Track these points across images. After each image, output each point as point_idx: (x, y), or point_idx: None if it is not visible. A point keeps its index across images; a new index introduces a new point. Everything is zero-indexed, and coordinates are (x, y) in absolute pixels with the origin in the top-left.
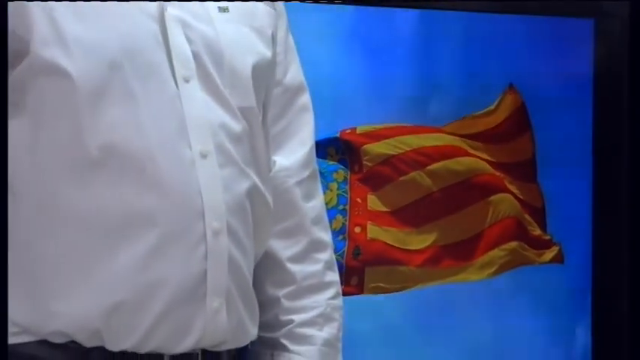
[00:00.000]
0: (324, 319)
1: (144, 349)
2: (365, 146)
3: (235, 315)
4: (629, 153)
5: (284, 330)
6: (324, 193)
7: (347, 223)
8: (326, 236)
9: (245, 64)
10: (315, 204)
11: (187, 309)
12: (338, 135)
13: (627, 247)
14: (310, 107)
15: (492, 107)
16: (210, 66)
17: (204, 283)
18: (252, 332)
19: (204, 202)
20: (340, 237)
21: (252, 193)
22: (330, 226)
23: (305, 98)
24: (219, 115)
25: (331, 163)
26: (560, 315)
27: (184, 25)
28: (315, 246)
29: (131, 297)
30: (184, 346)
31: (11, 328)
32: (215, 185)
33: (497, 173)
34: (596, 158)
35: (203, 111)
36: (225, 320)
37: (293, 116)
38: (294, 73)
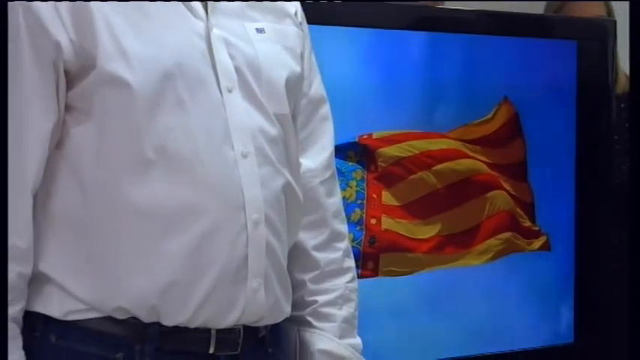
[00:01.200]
0: (343, 299)
1: (194, 324)
2: (380, 149)
3: (272, 294)
4: (606, 157)
5: (309, 309)
6: (345, 189)
7: (364, 215)
8: (344, 228)
9: (279, 77)
10: (335, 200)
11: (231, 289)
12: (357, 140)
13: (605, 238)
14: (330, 117)
15: (489, 116)
16: (249, 78)
17: (246, 267)
18: (287, 310)
19: (245, 196)
20: (358, 227)
21: (286, 188)
22: (350, 218)
23: (325, 109)
24: (258, 120)
25: (351, 163)
26: (547, 296)
27: (227, 44)
28: (336, 236)
29: (183, 278)
30: (228, 321)
31: (77, 306)
32: (254, 182)
33: (493, 173)
34: (578, 161)
35: (244, 117)
36: (263, 299)
37: (316, 124)
38: (316, 86)
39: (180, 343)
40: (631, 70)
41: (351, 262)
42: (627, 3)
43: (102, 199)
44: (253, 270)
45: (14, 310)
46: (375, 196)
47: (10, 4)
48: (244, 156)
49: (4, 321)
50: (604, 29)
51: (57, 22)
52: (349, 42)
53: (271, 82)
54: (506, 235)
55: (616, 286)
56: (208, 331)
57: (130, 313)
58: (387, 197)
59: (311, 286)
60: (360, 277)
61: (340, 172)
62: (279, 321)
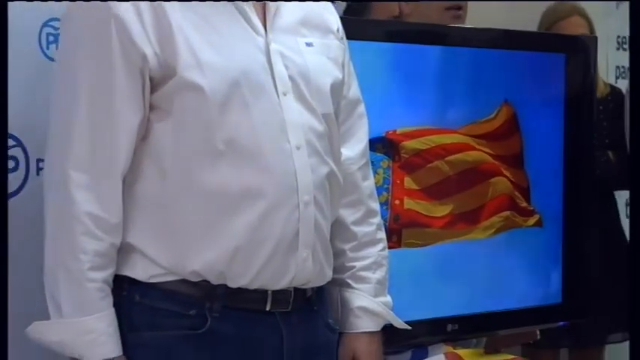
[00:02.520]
0: (376, 265)
1: (253, 286)
2: (403, 143)
3: (318, 262)
4: (588, 149)
5: (348, 273)
6: (374, 176)
7: (390, 197)
8: (376, 206)
9: (325, 83)
10: (369, 184)
11: (285, 257)
12: (384, 134)
13: (587, 215)
14: (365, 114)
15: (492, 116)
16: (301, 84)
17: (297, 239)
18: (329, 274)
19: (298, 181)
20: (385, 207)
21: (330, 175)
22: (378, 200)
23: (361, 108)
24: (308, 119)
25: (379, 154)
26: (539, 264)
27: (282, 56)
28: (370, 213)
29: (245, 248)
30: (282, 284)
31: (158, 270)
32: (305, 169)
33: (495, 162)
34: (566, 152)
35: (297, 116)
36: (310, 266)
37: (354, 121)
38: (354, 90)
39: (242, 302)
40: (631, 69)
41: (382, 235)
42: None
43: (179, 183)
44: (303, 242)
45: (107, 273)
46: (398, 181)
47: (102, 16)
48: (298, 148)
49: (3, 320)
50: (587, 44)
51: (144, 38)
52: (379, 54)
53: (318, 87)
54: (506, 213)
55: (596, 256)
56: (265, 292)
57: (201, 277)
58: (409, 182)
59: (350, 254)
60: None
61: (370, 162)
62: (323, 284)
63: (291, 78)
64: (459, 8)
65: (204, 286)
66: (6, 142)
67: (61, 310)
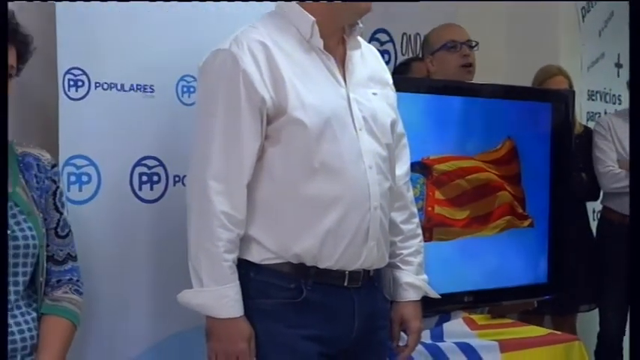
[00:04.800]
0: (417, 252)
1: (335, 267)
2: (434, 166)
3: (381, 250)
4: (568, 171)
5: (397, 258)
6: (413, 189)
7: (424, 205)
8: (416, 210)
9: (386, 121)
10: (411, 194)
11: (359, 246)
12: (421, 160)
13: (567, 218)
14: (407, 144)
15: (498, 147)
16: (371, 122)
17: (368, 234)
18: (387, 259)
19: (370, 192)
20: (421, 212)
21: (390, 188)
22: (416, 206)
23: (405, 139)
24: (376, 147)
25: (417, 174)
26: (531, 253)
27: (358, 102)
28: (412, 215)
29: (331, 239)
30: (355, 266)
31: (269, 255)
32: (375, 183)
33: (500, 181)
34: (551, 173)
35: (368, 145)
36: (376, 253)
37: (401, 149)
38: (400, 126)
39: (327, 279)
40: (631, 70)
41: (420, 231)
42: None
43: (285, 191)
44: (372, 236)
45: (235, 256)
46: (431, 193)
47: (232, 70)
48: (370, 168)
49: (3, 320)
50: (567, 96)
51: (262, 86)
52: (418, 102)
53: (383, 125)
54: (508, 217)
55: (572, 248)
56: (344, 272)
57: (300, 259)
58: (438, 194)
59: (399, 244)
60: None
61: (410, 179)
62: (382, 266)
63: (364, 118)
64: (470, 65)
65: (301, 267)
66: (6, 142)
67: (202, 281)
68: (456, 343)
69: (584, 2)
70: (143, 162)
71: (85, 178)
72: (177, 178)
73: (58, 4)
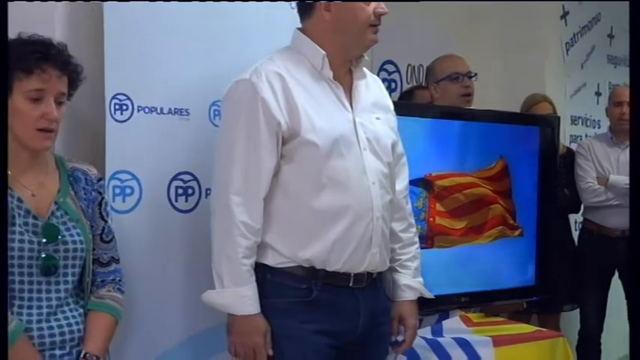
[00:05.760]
0: (414, 257)
1: (342, 270)
2: (435, 182)
3: (382, 256)
4: (553, 186)
5: (397, 263)
6: (418, 202)
7: (427, 216)
8: (413, 221)
9: (388, 143)
10: (409, 207)
11: (363, 252)
12: (424, 176)
13: (553, 229)
14: (406, 163)
15: (492, 166)
16: (374, 143)
17: (371, 241)
18: (387, 263)
19: (373, 204)
20: (424, 222)
21: (391, 201)
22: (419, 217)
23: (404, 159)
24: (379, 165)
25: (420, 189)
26: (521, 259)
27: (362, 126)
28: (410, 225)
29: (338, 246)
30: (360, 269)
31: (283, 259)
32: (377, 197)
33: (494, 195)
34: (539, 189)
35: (372, 163)
36: (378, 258)
37: (400, 167)
38: (400, 147)
39: (335, 280)
40: (631, 70)
41: (417, 239)
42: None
43: (297, 204)
44: (375, 243)
45: (252, 260)
46: (432, 206)
47: (252, 97)
48: (373, 183)
49: (3, 320)
50: (553, 121)
51: (278, 111)
52: (421, 125)
53: (385, 146)
54: (500, 227)
55: (556, 255)
56: (349, 274)
57: (310, 263)
58: (439, 207)
59: (398, 251)
60: (422, 248)
61: (415, 193)
62: (383, 270)
63: (368, 139)
64: (469, 95)
65: (311, 269)
66: (6, 143)
67: (223, 283)
68: (453, 339)
69: (569, 38)
70: (179, 176)
71: (128, 191)
72: (208, 191)
73: (106, 38)
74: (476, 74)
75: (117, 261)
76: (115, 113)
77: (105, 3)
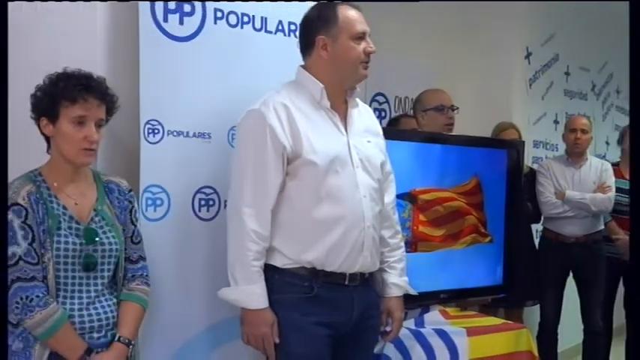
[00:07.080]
0: (400, 259)
1: (339, 271)
2: (419, 196)
3: (373, 258)
4: (519, 201)
5: (386, 264)
6: (404, 213)
7: (411, 225)
8: (399, 229)
9: (377, 163)
10: (396, 216)
11: (356, 256)
12: (409, 191)
13: (518, 237)
14: (394, 179)
15: (467, 183)
16: (365, 163)
17: (363, 246)
18: (377, 265)
19: (364, 215)
20: (409, 230)
21: (380, 211)
22: (405, 226)
23: (392, 175)
24: (369, 181)
25: (406, 202)
26: (490, 262)
27: (356, 148)
28: (397, 232)
29: (335, 250)
30: (354, 270)
31: (288, 261)
32: (368, 208)
33: (468, 208)
34: (506, 202)
35: (363, 179)
36: (369, 260)
37: (388, 183)
38: (388, 165)
39: (332, 279)
40: (631, 70)
41: (402, 244)
42: (627, 3)
43: (300, 214)
44: (366, 248)
45: (262, 262)
46: (416, 216)
47: (261, 124)
48: (364, 197)
49: (3, 321)
50: (518, 145)
51: (283, 136)
52: (407, 148)
53: (375, 164)
54: (474, 235)
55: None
56: (345, 274)
57: (312, 265)
58: (422, 217)
59: (386, 254)
60: (407, 252)
61: (401, 205)
62: (374, 270)
63: (360, 159)
64: (452, 124)
65: (312, 270)
66: (6, 146)
67: (237, 282)
68: (433, 329)
69: (532, 75)
70: (202, 190)
71: (158, 202)
72: (227, 203)
73: (141, 72)
74: (458, 107)
75: (144, 259)
76: (148, 136)
77: (140, 42)
